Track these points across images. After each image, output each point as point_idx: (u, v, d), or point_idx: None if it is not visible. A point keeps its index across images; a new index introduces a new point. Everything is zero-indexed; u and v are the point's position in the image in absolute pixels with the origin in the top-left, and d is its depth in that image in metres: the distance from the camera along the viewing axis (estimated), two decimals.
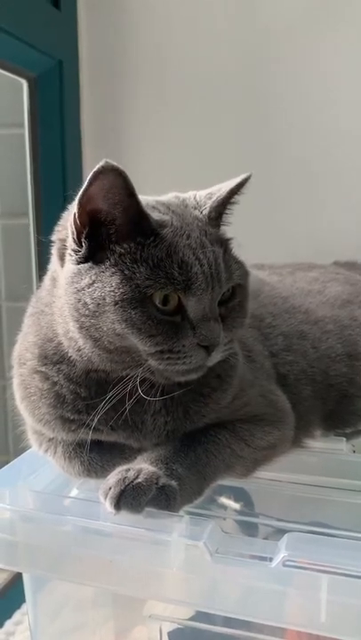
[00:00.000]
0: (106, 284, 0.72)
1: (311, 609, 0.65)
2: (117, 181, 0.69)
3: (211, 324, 0.75)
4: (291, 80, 1.56)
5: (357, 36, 1.50)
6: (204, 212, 0.80)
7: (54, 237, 0.81)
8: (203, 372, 0.78)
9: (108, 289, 0.72)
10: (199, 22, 1.59)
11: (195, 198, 0.84)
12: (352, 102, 1.53)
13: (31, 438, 0.92)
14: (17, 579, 1.30)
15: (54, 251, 0.82)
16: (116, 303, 0.71)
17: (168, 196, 0.85)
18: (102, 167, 0.68)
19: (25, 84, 1.53)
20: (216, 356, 0.77)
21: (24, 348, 0.87)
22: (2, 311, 1.72)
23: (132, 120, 1.65)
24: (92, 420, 0.79)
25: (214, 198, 0.81)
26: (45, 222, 1.48)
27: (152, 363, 0.74)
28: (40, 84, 1.54)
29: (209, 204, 0.81)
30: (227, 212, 0.83)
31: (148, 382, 0.77)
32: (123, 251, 0.73)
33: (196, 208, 0.81)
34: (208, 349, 0.75)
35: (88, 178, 0.70)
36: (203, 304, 0.74)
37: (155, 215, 0.76)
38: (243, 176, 0.81)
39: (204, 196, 0.83)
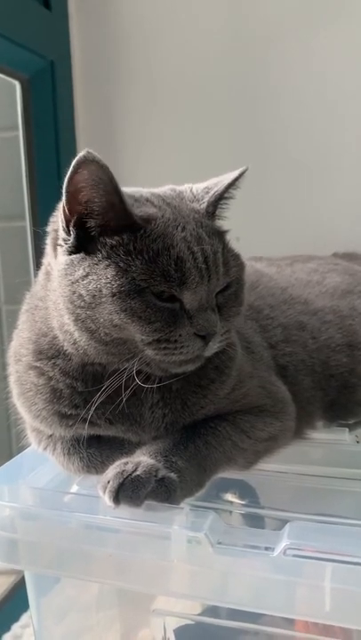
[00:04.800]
0: (101, 276, 0.72)
1: (315, 598, 0.64)
2: (99, 172, 0.69)
3: (207, 314, 0.74)
4: (285, 76, 1.56)
5: (350, 32, 1.50)
6: (202, 206, 0.80)
7: (49, 228, 0.81)
8: (200, 362, 0.78)
9: (103, 281, 0.72)
10: (191, 20, 1.59)
11: (191, 191, 0.83)
12: (347, 97, 1.53)
13: (30, 436, 0.91)
14: (24, 581, 1.30)
15: (48, 241, 0.81)
16: (113, 295, 0.71)
17: (164, 189, 0.85)
18: (84, 157, 0.69)
19: (18, 85, 1.53)
20: (213, 346, 0.77)
21: (19, 345, 0.87)
22: (2, 314, 1.72)
23: (127, 118, 1.65)
24: (88, 411, 0.78)
25: (212, 192, 0.81)
26: (42, 224, 1.48)
27: (149, 353, 0.74)
28: (33, 85, 1.54)
29: (207, 198, 0.81)
30: (223, 206, 0.83)
31: (143, 373, 0.76)
32: (114, 243, 0.73)
33: (192, 201, 0.81)
34: (205, 339, 0.75)
35: (71, 167, 0.70)
36: (199, 296, 0.74)
37: (144, 209, 0.75)
38: (239, 170, 0.81)
39: (202, 189, 0.83)
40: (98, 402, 0.77)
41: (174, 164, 1.61)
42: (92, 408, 0.78)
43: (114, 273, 0.72)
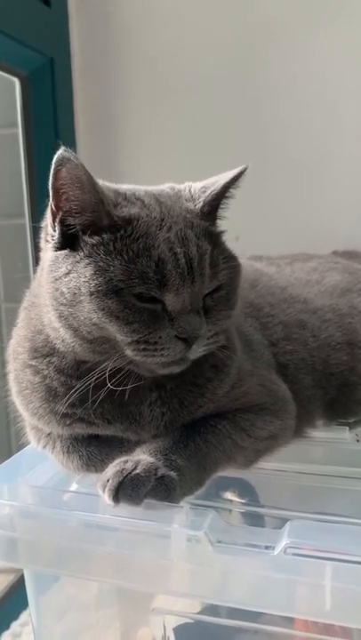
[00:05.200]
0: (81, 274, 0.72)
1: (315, 596, 0.64)
2: (75, 171, 0.69)
3: (190, 317, 0.73)
4: (285, 76, 1.55)
5: (350, 32, 1.50)
6: (197, 206, 0.79)
7: (42, 224, 0.81)
8: (186, 364, 0.76)
9: (82, 279, 0.72)
10: (192, 18, 1.58)
11: (189, 190, 0.82)
12: (347, 97, 1.53)
13: (29, 434, 0.91)
14: (23, 580, 1.31)
15: (42, 236, 0.81)
16: (91, 294, 0.71)
17: (163, 186, 0.84)
18: (61, 155, 0.69)
19: (17, 82, 1.53)
20: (197, 350, 0.75)
21: (16, 343, 0.87)
22: (1, 312, 1.71)
23: (126, 115, 1.65)
24: (84, 410, 0.78)
25: (208, 192, 0.80)
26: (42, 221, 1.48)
27: (129, 353, 0.73)
28: (32, 82, 1.54)
29: (203, 197, 0.79)
30: (222, 206, 0.81)
31: (125, 371, 0.75)
32: (95, 242, 0.73)
33: (189, 201, 0.80)
34: (187, 342, 0.73)
35: (52, 164, 0.70)
36: (182, 298, 0.73)
37: (127, 209, 0.74)
38: (238, 169, 0.80)
39: (199, 189, 0.82)
40: (69, 400, 0.77)
41: (174, 162, 1.61)
42: (64, 405, 0.78)
43: (92, 272, 0.71)
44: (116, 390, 0.75)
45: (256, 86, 1.57)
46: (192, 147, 1.61)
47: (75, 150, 1.61)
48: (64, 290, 0.73)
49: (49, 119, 1.55)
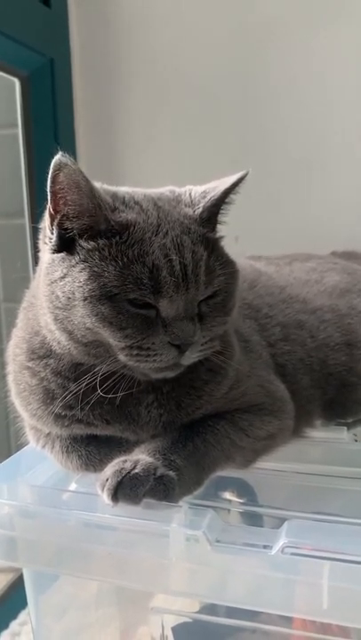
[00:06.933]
0: (75, 278, 0.72)
1: (313, 595, 0.64)
2: (73, 175, 0.69)
3: (184, 323, 0.73)
4: (285, 76, 1.56)
5: (350, 32, 1.50)
6: (196, 212, 0.78)
7: (41, 225, 0.81)
8: (180, 370, 0.77)
9: (77, 284, 0.72)
10: (192, 19, 1.59)
11: (190, 195, 0.81)
12: (347, 97, 1.53)
13: (29, 434, 0.91)
14: (22, 579, 1.31)
15: (40, 237, 0.81)
16: (85, 299, 0.71)
17: (163, 190, 0.84)
18: (59, 160, 0.69)
19: (17, 82, 1.53)
20: (191, 356, 0.75)
21: (14, 344, 0.87)
22: (0, 312, 1.72)
23: (126, 116, 1.65)
24: (82, 411, 0.79)
25: (208, 198, 0.79)
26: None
27: (122, 358, 0.73)
28: (32, 82, 1.54)
29: (202, 203, 0.79)
30: (221, 211, 0.81)
31: (118, 375, 0.76)
32: (90, 247, 0.73)
33: (188, 206, 0.79)
34: (181, 348, 0.74)
35: (50, 167, 0.70)
36: (176, 304, 0.73)
37: (124, 214, 0.74)
38: (238, 175, 0.79)
39: (199, 194, 0.81)
40: (65, 402, 0.78)
41: (174, 162, 1.61)
42: (58, 407, 0.79)
43: (86, 277, 0.71)
44: (112, 392, 0.76)
45: (256, 86, 1.57)
46: (192, 146, 1.61)
47: (74, 150, 1.63)
48: (59, 293, 0.73)
49: (49, 119, 1.55)
